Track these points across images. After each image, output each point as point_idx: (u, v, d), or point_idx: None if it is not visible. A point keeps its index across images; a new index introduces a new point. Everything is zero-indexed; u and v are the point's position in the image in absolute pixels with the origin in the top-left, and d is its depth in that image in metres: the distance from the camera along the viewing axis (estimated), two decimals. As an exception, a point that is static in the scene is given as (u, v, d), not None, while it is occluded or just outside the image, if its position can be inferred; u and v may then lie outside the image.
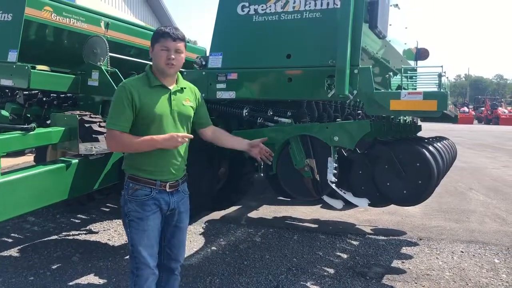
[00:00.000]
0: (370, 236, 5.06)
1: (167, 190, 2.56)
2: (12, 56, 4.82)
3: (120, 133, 2.43)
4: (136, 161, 2.52)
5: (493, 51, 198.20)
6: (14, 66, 4.80)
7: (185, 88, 2.68)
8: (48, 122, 4.32)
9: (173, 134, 2.49)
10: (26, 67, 4.75)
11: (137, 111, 2.45)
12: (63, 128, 3.96)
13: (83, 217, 5.46)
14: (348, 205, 4.03)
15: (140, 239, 2.50)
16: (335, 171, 3.54)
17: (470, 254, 4.51)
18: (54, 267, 3.93)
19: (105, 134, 2.50)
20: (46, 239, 4.65)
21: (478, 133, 24.79)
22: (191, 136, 2.61)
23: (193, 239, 4.73)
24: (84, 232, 4.92)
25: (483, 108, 43.77)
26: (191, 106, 2.68)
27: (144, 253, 2.51)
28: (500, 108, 41.58)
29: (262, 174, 4.54)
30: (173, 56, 2.48)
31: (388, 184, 3.56)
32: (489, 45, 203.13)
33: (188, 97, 2.68)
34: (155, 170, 2.52)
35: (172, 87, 2.60)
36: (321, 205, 6.17)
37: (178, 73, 2.64)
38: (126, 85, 2.47)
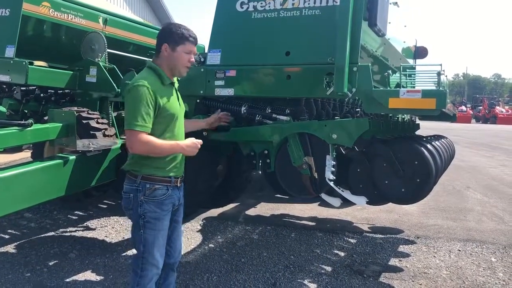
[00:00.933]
0: (367, 234, 5.06)
1: (178, 185, 2.60)
2: (10, 51, 4.80)
3: (147, 135, 2.38)
4: (153, 160, 2.48)
5: (491, 51, 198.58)
6: (12, 62, 4.77)
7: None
8: (46, 118, 4.31)
9: (194, 140, 2.55)
10: (24, 63, 4.73)
11: (159, 111, 2.43)
12: (61, 124, 3.94)
13: (80, 213, 5.45)
14: (346, 203, 4.04)
15: (155, 240, 2.49)
16: (333, 169, 3.54)
17: (467, 253, 4.52)
18: (51, 263, 3.92)
19: (126, 136, 2.43)
20: (43, 235, 4.64)
21: (475, 132, 24.83)
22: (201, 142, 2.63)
23: (190, 237, 4.73)
24: (81, 228, 4.90)
25: (481, 107, 43.88)
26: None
27: (157, 253, 2.50)
28: (497, 107, 41.68)
29: (260, 172, 4.54)
30: (193, 59, 2.57)
31: (386, 182, 3.56)
32: (487, 44, 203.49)
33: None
34: (170, 167, 2.53)
35: (175, 85, 2.65)
36: (319, 203, 6.17)
37: None
38: (147, 84, 2.39)
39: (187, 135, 2.75)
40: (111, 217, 5.31)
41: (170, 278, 2.76)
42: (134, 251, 4.26)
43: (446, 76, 3.97)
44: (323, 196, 3.81)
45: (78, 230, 4.84)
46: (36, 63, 5.07)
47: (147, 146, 2.39)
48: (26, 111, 5.64)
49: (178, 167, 2.60)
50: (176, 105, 2.58)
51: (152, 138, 2.40)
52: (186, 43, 2.51)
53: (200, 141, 2.60)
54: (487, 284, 3.76)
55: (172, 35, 2.50)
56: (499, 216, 6.04)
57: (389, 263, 4.18)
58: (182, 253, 2.69)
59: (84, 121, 4.43)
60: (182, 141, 2.56)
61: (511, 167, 10.98)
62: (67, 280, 3.60)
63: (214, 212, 5.64)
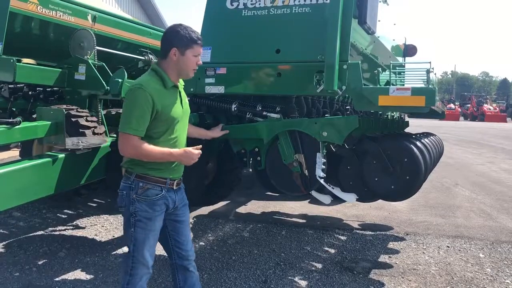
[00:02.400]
0: (357, 231, 5.09)
1: (174, 188, 2.57)
2: (-3, 49, 4.73)
3: (138, 140, 2.36)
4: (148, 161, 2.46)
5: (480, 49, 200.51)
6: (-1, 59, 4.71)
7: (183, 85, 2.69)
8: (34, 116, 4.27)
9: (187, 150, 2.48)
10: (12, 60, 4.67)
11: (157, 115, 2.39)
12: (49, 123, 3.90)
13: (70, 212, 5.41)
14: (336, 200, 4.05)
15: (145, 239, 2.47)
16: (324, 166, 3.55)
17: (456, 249, 4.57)
18: (40, 262, 3.88)
19: (119, 138, 2.42)
20: (32, 234, 4.60)
21: (464, 130, 25.08)
22: (200, 147, 2.56)
23: (181, 235, 4.71)
24: (71, 227, 4.87)
25: (469, 105, 44.32)
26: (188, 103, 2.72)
27: (146, 253, 2.49)
28: (485, 105, 42.15)
29: (250, 170, 4.54)
30: (200, 62, 2.56)
31: (376, 179, 3.58)
32: (475, 43, 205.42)
33: (185, 95, 2.69)
34: (166, 168, 2.50)
35: (179, 87, 2.62)
36: (309, 200, 6.20)
37: None
38: (146, 88, 2.35)
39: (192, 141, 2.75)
40: (100, 216, 5.28)
41: (189, 279, 2.71)
42: (124, 249, 4.25)
43: (435, 74, 4.00)
44: (314, 193, 3.82)
45: (68, 229, 4.80)
46: (24, 60, 5.03)
47: (137, 150, 2.37)
48: (14, 109, 5.58)
49: (175, 169, 2.56)
50: (178, 108, 2.52)
51: (144, 143, 2.37)
52: (194, 46, 2.48)
53: (198, 151, 2.52)
54: (475, 280, 3.81)
55: (181, 38, 2.45)
56: (487, 212, 6.11)
57: (379, 260, 4.21)
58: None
59: (73, 119, 4.39)
60: (176, 150, 2.48)
61: (499, 164, 11.12)
62: (57, 279, 3.58)
63: (205, 210, 5.63)
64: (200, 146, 2.54)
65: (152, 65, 2.54)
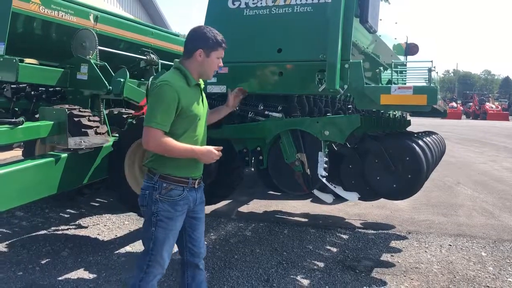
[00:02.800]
0: (359, 230, 5.10)
1: (195, 186, 2.60)
2: (0, 49, 4.76)
3: (162, 134, 2.39)
4: (172, 160, 2.48)
5: (482, 47, 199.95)
6: (2, 59, 4.74)
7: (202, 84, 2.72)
8: (37, 116, 4.28)
9: (210, 149, 2.50)
10: (14, 60, 4.70)
11: (181, 112, 2.43)
12: (52, 122, 3.92)
13: (72, 211, 5.43)
14: (338, 199, 4.06)
15: (165, 239, 2.50)
16: (326, 165, 3.55)
17: (458, 248, 4.57)
18: (43, 262, 3.90)
19: (143, 132, 2.44)
20: (34, 234, 4.62)
21: (466, 128, 25.04)
22: (221, 148, 2.57)
23: (183, 234, 4.72)
24: (74, 226, 4.89)
25: (471, 104, 44.23)
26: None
27: (165, 253, 2.51)
28: (487, 103, 42.04)
29: (252, 169, 4.55)
30: (221, 63, 2.63)
31: (377, 178, 3.58)
32: (477, 41, 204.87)
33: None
34: (188, 167, 2.53)
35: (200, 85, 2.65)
36: (311, 199, 6.20)
37: None
38: (173, 84, 2.40)
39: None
40: (103, 215, 5.29)
41: (198, 276, 2.73)
42: (126, 248, 4.27)
43: (437, 72, 4.00)
44: (316, 192, 3.82)
45: (70, 228, 4.82)
46: (27, 60, 5.05)
47: (162, 145, 2.39)
48: (17, 109, 5.61)
49: (197, 169, 2.60)
50: (200, 106, 2.57)
51: (167, 138, 2.40)
52: (219, 49, 2.54)
53: (218, 152, 2.53)
54: (478, 278, 3.81)
55: (207, 40, 2.50)
56: (489, 211, 6.11)
57: (381, 259, 4.22)
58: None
59: (76, 119, 4.41)
60: (198, 147, 2.51)
61: (501, 163, 11.10)
62: (60, 278, 3.59)
63: (207, 209, 5.61)
64: (221, 148, 2.56)
65: (175, 63, 2.58)
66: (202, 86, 2.68)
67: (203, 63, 2.52)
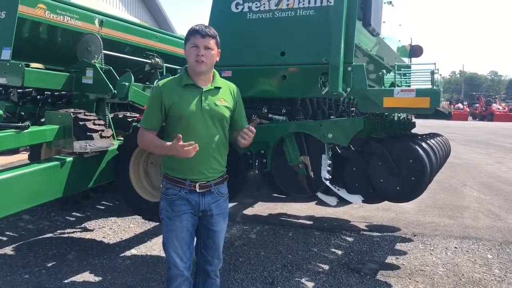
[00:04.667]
0: (364, 232, 5.09)
1: (197, 190, 2.51)
2: (6, 54, 4.80)
3: (144, 131, 2.52)
4: (169, 160, 2.53)
5: (488, 48, 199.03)
6: (8, 64, 4.78)
7: (220, 87, 2.61)
8: (42, 120, 4.32)
9: (174, 143, 2.35)
10: (20, 65, 4.74)
11: (167, 110, 2.49)
12: (58, 126, 3.95)
13: (78, 215, 5.46)
14: (343, 201, 4.06)
15: (168, 239, 2.52)
16: (329, 168, 3.56)
17: (464, 250, 4.55)
18: (49, 265, 3.93)
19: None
20: (41, 237, 4.65)
21: (472, 130, 24.90)
22: (194, 144, 2.34)
23: (188, 237, 4.74)
24: (79, 230, 4.92)
25: (477, 105, 43.93)
26: (226, 106, 2.57)
27: (173, 254, 2.51)
28: (494, 105, 41.74)
29: (256, 171, 4.55)
30: (202, 53, 2.44)
31: (381, 180, 3.58)
32: (483, 42, 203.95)
33: (224, 97, 2.58)
34: (185, 169, 2.50)
35: (206, 86, 2.54)
36: (315, 202, 6.19)
37: (216, 72, 2.61)
38: (160, 85, 2.53)
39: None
40: (108, 218, 5.32)
41: (208, 285, 2.68)
42: (131, 251, 4.30)
43: (440, 74, 4.00)
44: (320, 195, 3.83)
45: (76, 232, 4.85)
46: (33, 65, 5.09)
47: (141, 139, 2.55)
48: (23, 113, 5.65)
49: (195, 171, 2.50)
50: (191, 107, 2.46)
51: (147, 133, 2.51)
52: (190, 38, 2.48)
53: (185, 144, 2.30)
54: (483, 281, 3.79)
55: (185, 35, 2.55)
56: (495, 213, 6.07)
57: (386, 261, 4.21)
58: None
59: (81, 123, 4.44)
60: (168, 142, 2.40)
61: (507, 164, 11.02)
62: (66, 281, 3.61)
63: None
64: (192, 142, 2.34)
65: (183, 67, 2.62)
66: (210, 88, 2.53)
67: (186, 57, 2.51)
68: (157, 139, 2.51)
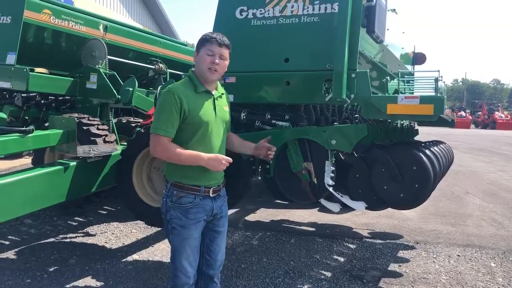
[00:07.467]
0: (367, 239, 5.07)
1: (211, 195, 2.54)
2: (11, 58, 4.83)
3: (167, 141, 2.40)
4: (181, 168, 2.48)
5: (491, 56, 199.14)
6: (13, 69, 4.81)
7: (223, 94, 2.69)
8: (46, 124, 4.33)
9: (218, 156, 2.47)
10: (25, 70, 4.77)
11: (185, 117, 2.42)
12: (61, 131, 3.96)
13: (80, 219, 5.46)
14: (345, 208, 4.05)
15: (181, 247, 2.49)
16: (333, 175, 3.55)
17: (467, 258, 4.53)
18: (51, 269, 3.92)
19: (150, 140, 2.47)
20: (43, 241, 4.65)
21: (475, 138, 24.87)
22: (231, 160, 2.53)
23: (190, 242, 4.73)
24: (81, 234, 4.91)
25: (480, 113, 43.96)
26: (228, 112, 2.71)
27: (185, 262, 2.49)
28: (497, 113, 41.76)
29: (259, 178, 4.55)
30: (217, 61, 2.46)
31: (385, 187, 3.57)
32: (486, 50, 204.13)
33: (226, 103, 2.70)
34: (199, 176, 2.49)
35: (215, 92, 2.59)
36: (318, 208, 6.18)
37: None
38: (174, 90, 2.41)
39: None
40: (111, 223, 5.32)
41: None
42: (133, 257, 4.30)
43: (444, 82, 4.00)
44: (322, 201, 3.82)
45: (78, 236, 4.85)
46: (37, 70, 5.11)
47: (167, 151, 2.42)
48: (27, 117, 5.67)
49: (209, 177, 2.53)
50: (208, 114, 2.50)
51: (172, 144, 2.41)
52: (206, 44, 2.47)
53: (229, 158, 2.51)
54: (487, 289, 3.77)
55: (199, 41, 2.53)
56: (498, 221, 6.05)
57: (388, 268, 4.19)
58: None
59: (85, 128, 4.45)
60: (205, 154, 2.45)
61: (510, 173, 11.00)
62: (67, 286, 3.61)
63: (214, 218, 5.63)
64: (231, 159, 2.52)
65: (188, 72, 2.60)
66: (218, 94, 2.61)
67: (196, 62, 2.51)
68: (187, 151, 2.43)
